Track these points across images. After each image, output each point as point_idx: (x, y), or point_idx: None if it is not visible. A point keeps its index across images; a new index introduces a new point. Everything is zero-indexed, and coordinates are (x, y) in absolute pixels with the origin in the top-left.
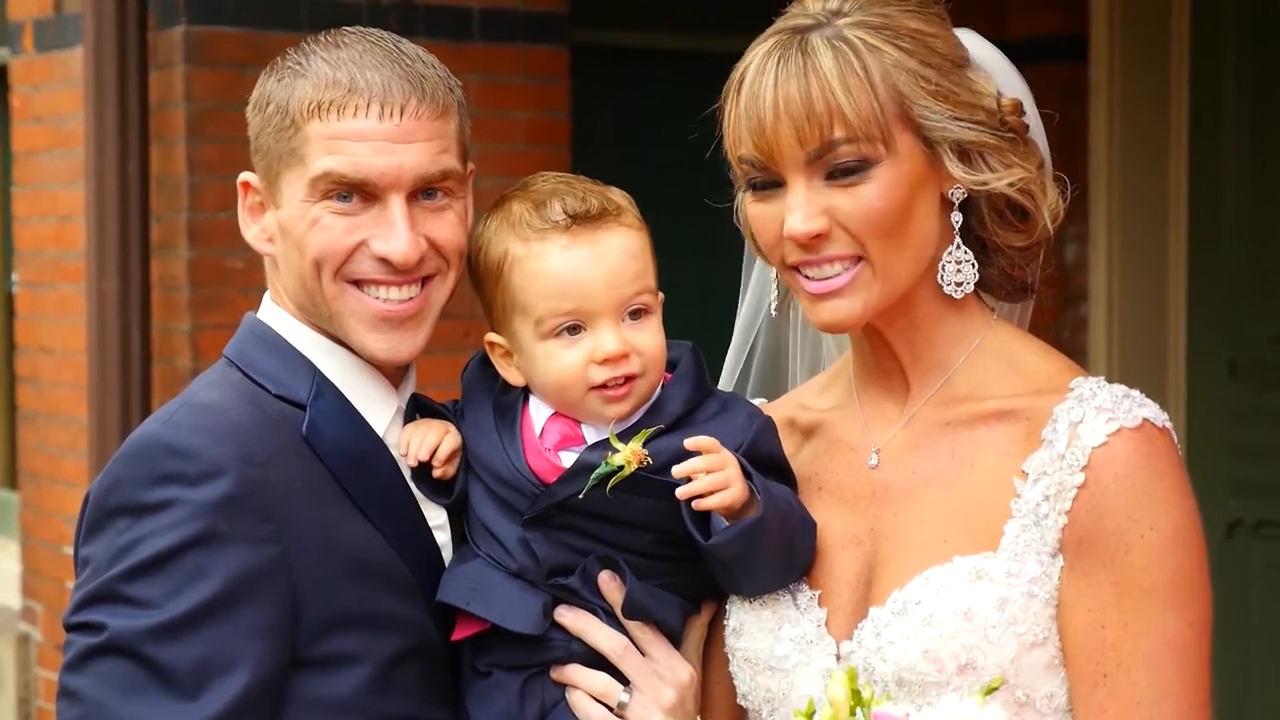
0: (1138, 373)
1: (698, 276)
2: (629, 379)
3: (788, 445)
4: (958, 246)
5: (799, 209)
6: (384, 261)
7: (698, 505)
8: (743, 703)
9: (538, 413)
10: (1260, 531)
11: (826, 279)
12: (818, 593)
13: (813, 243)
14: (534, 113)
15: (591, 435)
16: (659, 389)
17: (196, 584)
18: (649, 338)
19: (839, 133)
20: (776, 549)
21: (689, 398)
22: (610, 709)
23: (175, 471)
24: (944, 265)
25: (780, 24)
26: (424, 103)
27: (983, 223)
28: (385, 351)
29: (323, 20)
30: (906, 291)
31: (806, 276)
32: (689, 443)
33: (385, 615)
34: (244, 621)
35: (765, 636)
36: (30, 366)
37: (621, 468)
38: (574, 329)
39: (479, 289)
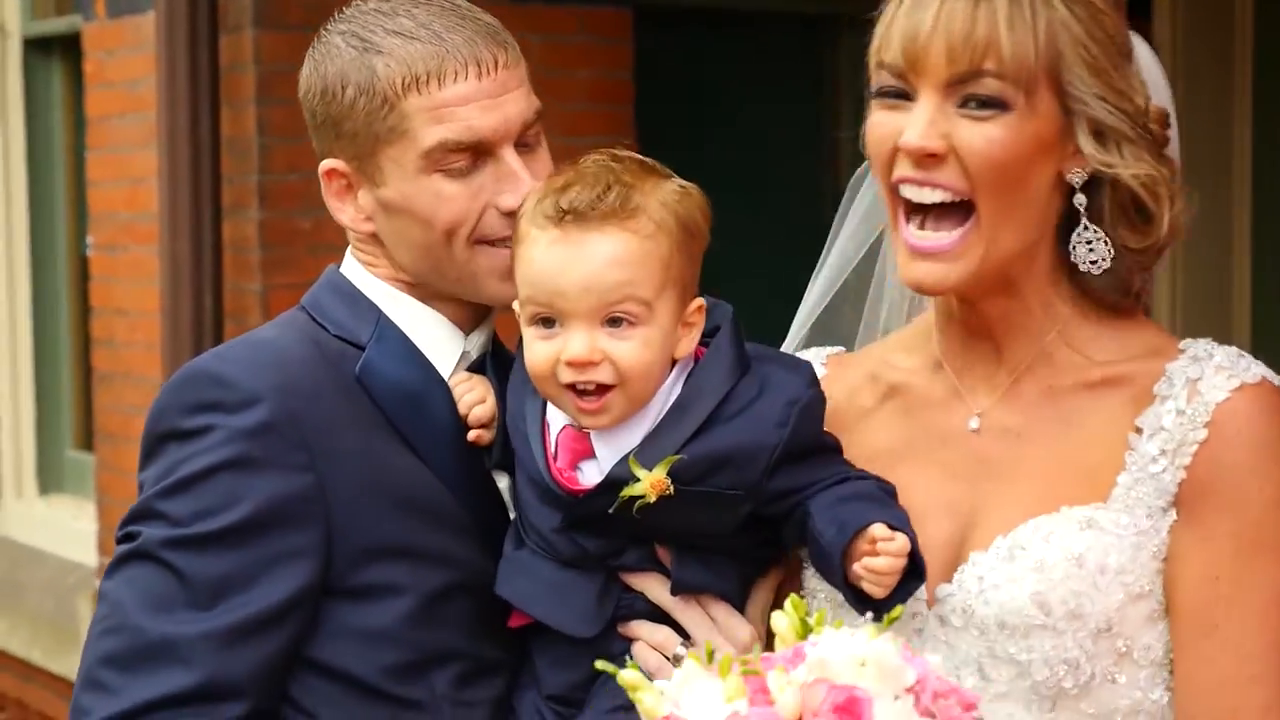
0: (1200, 326)
1: (759, 238)
2: (601, 387)
3: (865, 400)
4: (1085, 227)
5: (920, 124)
6: (513, 215)
7: (870, 590)
8: None
9: (554, 421)
10: None
11: (934, 240)
12: None
13: (925, 160)
14: (597, 72)
15: (598, 445)
16: (690, 368)
17: (228, 504)
18: (629, 350)
19: (989, 64)
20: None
21: (720, 387)
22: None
23: (215, 400)
24: (1074, 248)
25: None
26: (506, 51)
27: (1101, 215)
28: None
29: None
30: (1003, 269)
31: (912, 216)
32: (882, 537)
33: (430, 549)
34: (271, 545)
35: None
36: (105, 328)
37: (643, 495)
38: (548, 322)
39: None
